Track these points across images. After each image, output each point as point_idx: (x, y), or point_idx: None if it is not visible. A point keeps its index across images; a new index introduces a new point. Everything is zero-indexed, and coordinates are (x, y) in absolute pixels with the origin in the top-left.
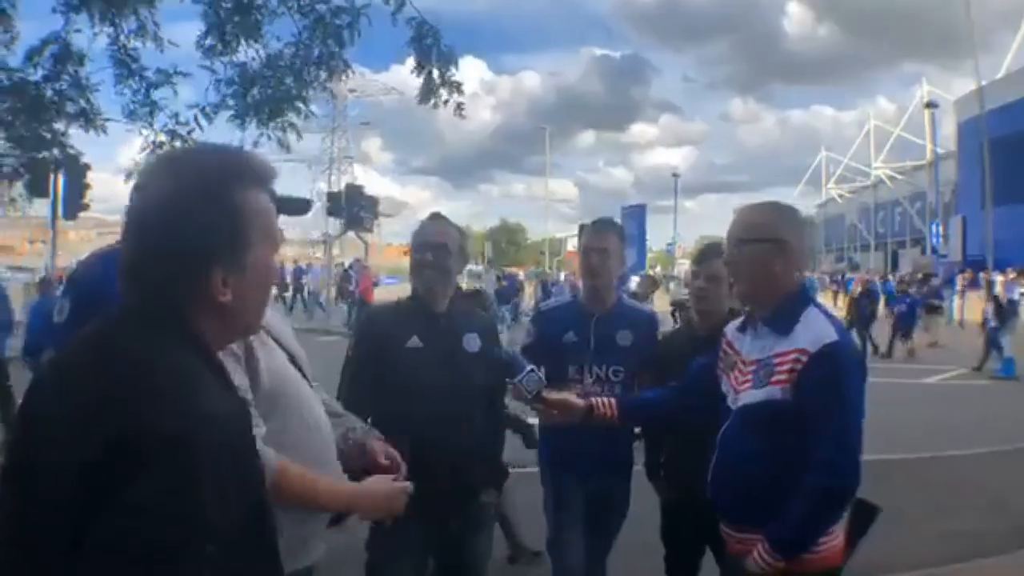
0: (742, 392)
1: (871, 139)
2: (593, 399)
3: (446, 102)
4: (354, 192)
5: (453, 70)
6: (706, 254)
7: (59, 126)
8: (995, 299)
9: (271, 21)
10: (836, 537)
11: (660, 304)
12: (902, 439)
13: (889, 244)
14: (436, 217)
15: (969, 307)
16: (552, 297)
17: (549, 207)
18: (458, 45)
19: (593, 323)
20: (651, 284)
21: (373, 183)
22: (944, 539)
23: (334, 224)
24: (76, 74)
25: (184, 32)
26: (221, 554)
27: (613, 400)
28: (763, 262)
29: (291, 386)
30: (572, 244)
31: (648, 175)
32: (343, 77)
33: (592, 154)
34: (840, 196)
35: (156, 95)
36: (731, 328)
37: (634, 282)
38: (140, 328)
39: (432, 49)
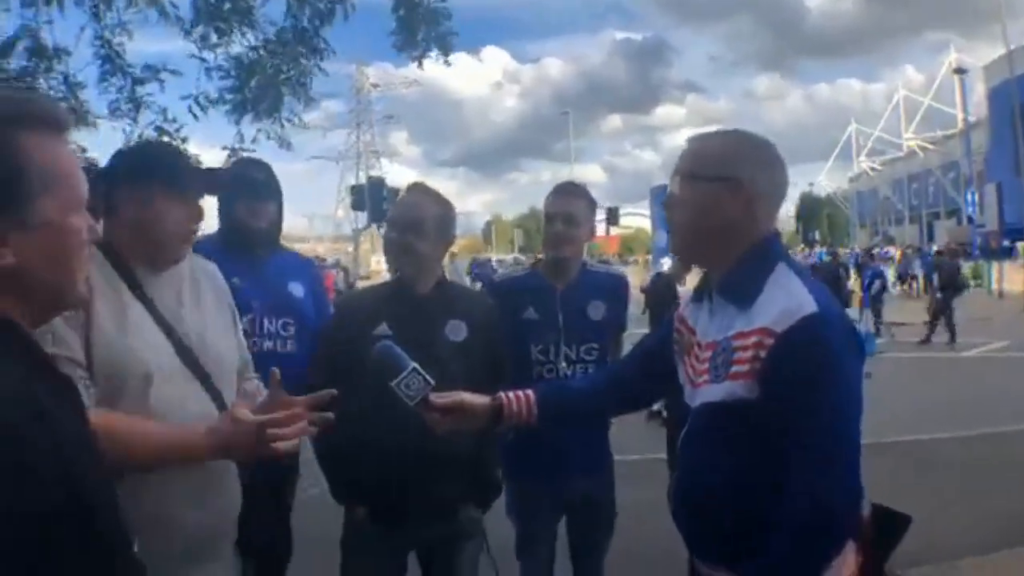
0: (699, 386)
1: (901, 110)
2: (504, 395)
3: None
4: (377, 184)
5: (445, 23)
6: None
7: None
8: None
9: (264, 4)
10: (840, 567)
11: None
12: (935, 417)
13: (924, 216)
14: (413, 189)
15: (1009, 278)
16: None
17: None
18: (480, 36)
19: (559, 297)
20: (685, 266)
21: (401, 176)
22: (988, 522)
23: (363, 218)
24: (64, 70)
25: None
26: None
27: (530, 394)
28: (712, 206)
29: (141, 370)
30: (601, 228)
31: (676, 157)
32: (325, 58)
33: (619, 138)
34: (872, 169)
35: (141, 91)
36: (685, 299)
37: (666, 264)
38: None
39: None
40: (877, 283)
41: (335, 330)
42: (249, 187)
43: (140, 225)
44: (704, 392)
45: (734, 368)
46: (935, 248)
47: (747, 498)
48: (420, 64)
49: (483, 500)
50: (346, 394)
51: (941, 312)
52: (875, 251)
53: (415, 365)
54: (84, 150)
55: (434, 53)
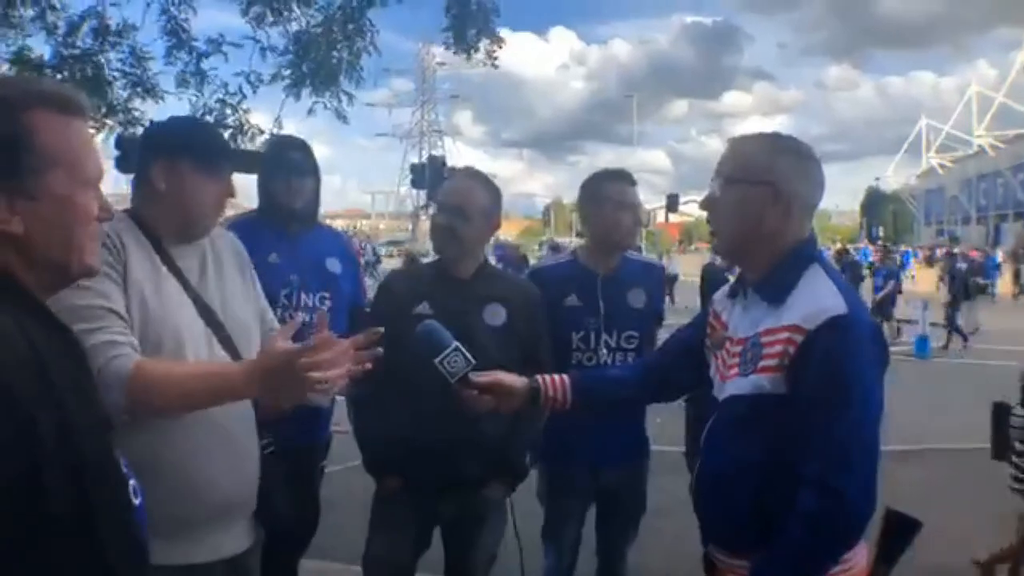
0: (728, 379)
1: (973, 106)
2: (541, 378)
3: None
4: (436, 164)
5: (493, 19)
6: None
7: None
8: None
9: None
10: (850, 567)
11: None
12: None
13: (991, 217)
14: (460, 174)
15: None
16: None
17: (639, 178)
18: (548, 16)
19: (600, 284)
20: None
21: (464, 156)
22: None
23: (423, 196)
24: (132, 44)
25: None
26: None
27: (566, 379)
28: (751, 209)
29: (174, 344)
30: (661, 216)
31: None
32: (373, 39)
33: (684, 123)
34: (941, 166)
35: (205, 65)
36: (720, 295)
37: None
38: None
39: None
40: (891, 284)
41: (378, 306)
42: (287, 165)
43: (171, 198)
44: (732, 385)
45: (762, 362)
46: (956, 250)
47: (767, 489)
48: (468, 57)
49: (509, 482)
50: (385, 369)
51: (949, 317)
52: (892, 249)
53: (457, 344)
54: (152, 121)
55: (483, 50)
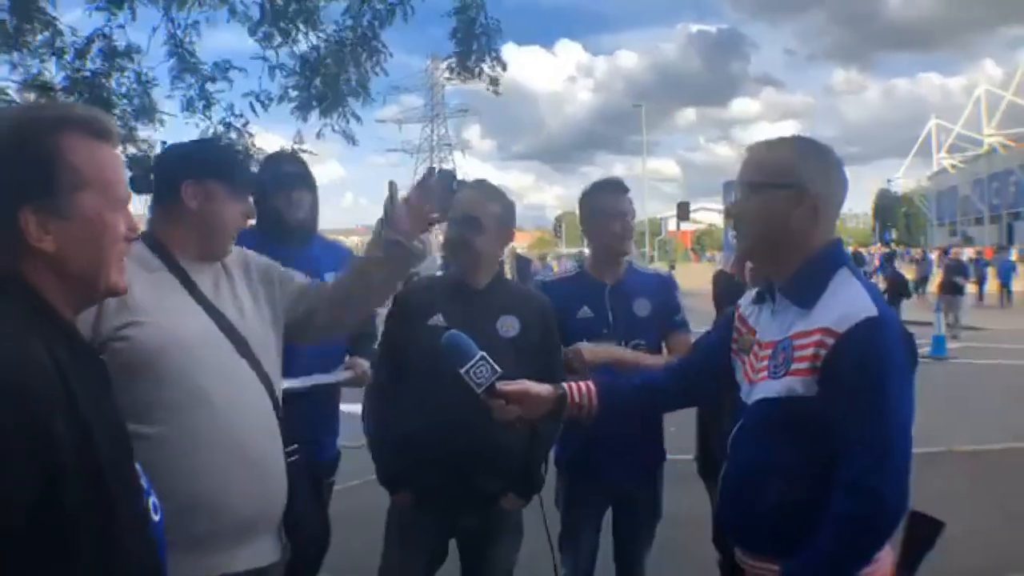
0: (757, 383)
1: (982, 105)
2: (567, 385)
3: (483, 76)
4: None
5: (496, 43)
6: None
7: (124, 121)
8: None
9: (327, 4)
10: (878, 568)
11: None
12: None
13: (1004, 216)
14: (473, 186)
15: None
16: None
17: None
18: (554, 29)
19: (607, 294)
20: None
21: (474, 170)
22: None
23: None
24: (137, 68)
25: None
26: (8, 504)
27: (592, 386)
28: (778, 214)
29: (181, 351)
30: (672, 224)
31: None
32: (382, 61)
33: (693, 131)
34: (952, 167)
35: (212, 88)
36: (745, 300)
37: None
38: None
39: (475, 21)
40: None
41: (394, 317)
42: (286, 179)
43: (198, 218)
44: (761, 388)
45: (794, 365)
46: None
47: (797, 491)
48: (471, 77)
49: (525, 493)
50: (401, 380)
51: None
52: (897, 253)
53: (483, 354)
54: (164, 143)
55: (487, 77)
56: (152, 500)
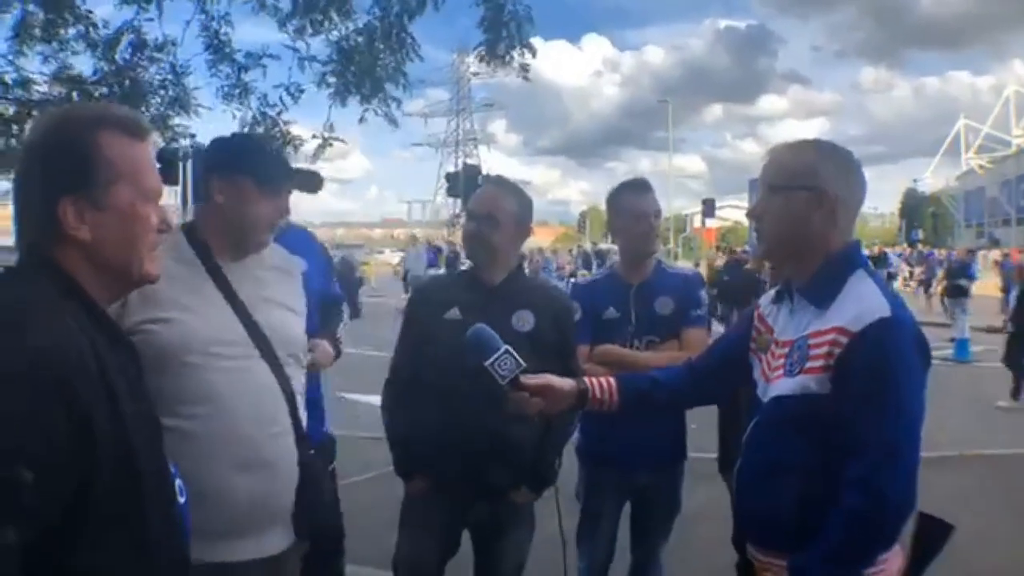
0: (773, 381)
1: (1011, 105)
2: (589, 380)
3: (513, 63)
4: (472, 172)
5: (528, 29)
6: None
7: (159, 111)
8: None
9: None
10: (885, 568)
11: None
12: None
13: None
14: (491, 182)
15: None
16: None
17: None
18: (581, 24)
19: (632, 294)
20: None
21: (499, 164)
22: None
23: (460, 205)
24: (172, 59)
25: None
26: (48, 483)
27: (612, 381)
28: (797, 215)
29: (197, 349)
30: (697, 220)
31: None
32: (410, 53)
33: (720, 128)
34: (980, 167)
35: (247, 77)
36: (765, 299)
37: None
38: (9, 269)
39: (503, 8)
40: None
41: (413, 311)
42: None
43: (228, 213)
44: (777, 386)
45: (808, 363)
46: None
47: (809, 487)
48: (502, 65)
49: (536, 487)
50: (419, 366)
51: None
52: (890, 252)
53: (508, 347)
54: (193, 136)
55: (515, 60)
56: (178, 482)
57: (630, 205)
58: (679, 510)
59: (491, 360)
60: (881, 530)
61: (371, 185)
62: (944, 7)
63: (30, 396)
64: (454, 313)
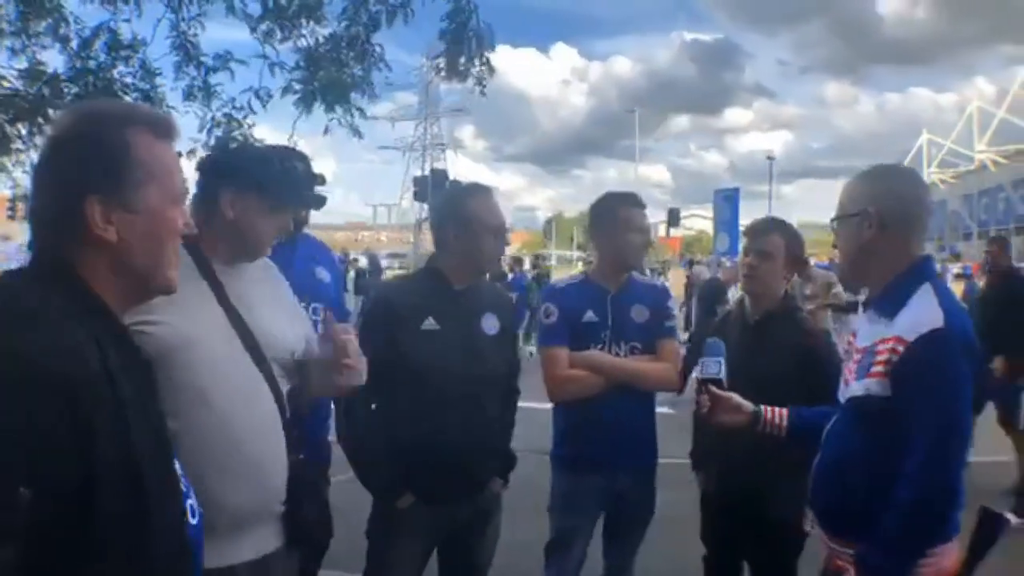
0: (849, 383)
1: (974, 122)
2: (764, 408)
3: (473, 77)
4: (439, 177)
5: (487, 47)
6: (757, 229)
7: None
8: None
9: (330, 1)
10: (941, 557)
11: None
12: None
13: (992, 233)
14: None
15: None
16: None
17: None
18: (549, 33)
19: (609, 300)
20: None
21: (466, 170)
22: None
23: (426, 209)
24: (143, 58)
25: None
26: (46, 500)
27: (785, 412)
28: (852, 240)
29: (189, 352)
30: (663, 230)
31: (743, 160)
32: (375, 63)
33: (685, 139)
34: (942, 181)
35: (213, 79)
36: (860, 311)
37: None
38: (19, 270)
39: (467, 24)
40: None
41: (376, 319)
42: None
43: (235, 226)
44: (850, 388)
45: (873, 368)
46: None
47: (874, 480)
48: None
49: (504, 472)
50: (387, 385)
51: None
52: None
53: (721, 359)
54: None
55: (473, 80)
56: (191, 503)
57: (629, 218)
58: (653, 512)
59: (706, 361)
60: (930, 523)
61: (336, 187)
62: (909, 26)
63: (32, 409)
64: (430, 323)
